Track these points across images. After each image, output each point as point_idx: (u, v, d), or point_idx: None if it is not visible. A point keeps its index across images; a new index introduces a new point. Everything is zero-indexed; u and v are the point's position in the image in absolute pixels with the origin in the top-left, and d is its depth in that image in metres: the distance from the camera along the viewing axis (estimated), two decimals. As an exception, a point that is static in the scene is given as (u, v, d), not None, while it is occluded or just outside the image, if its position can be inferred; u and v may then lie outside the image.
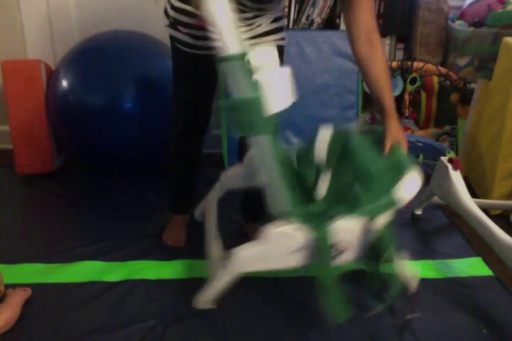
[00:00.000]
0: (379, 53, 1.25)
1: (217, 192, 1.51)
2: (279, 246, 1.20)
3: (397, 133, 1.26)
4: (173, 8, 1.34)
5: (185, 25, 1.34)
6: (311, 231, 1.15)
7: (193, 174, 1.69)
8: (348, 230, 1.18)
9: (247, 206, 1.74)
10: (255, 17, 1.34)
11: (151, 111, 1.98)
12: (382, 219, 1.20)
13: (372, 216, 1.17)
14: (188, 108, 1.52)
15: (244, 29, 1.35)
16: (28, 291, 1.39)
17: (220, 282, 1.27)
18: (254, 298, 1.42)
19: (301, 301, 1.41)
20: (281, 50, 1.44)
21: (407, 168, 1.19)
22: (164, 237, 1.71)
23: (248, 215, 1.74)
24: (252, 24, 1.36)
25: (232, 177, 1.47)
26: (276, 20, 1.42)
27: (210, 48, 1.30)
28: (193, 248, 1.65)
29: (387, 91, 1.26)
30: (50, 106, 2.08)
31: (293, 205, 1.16)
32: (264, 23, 1.39)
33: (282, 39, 1.47)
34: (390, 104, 1.26)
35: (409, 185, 1.17)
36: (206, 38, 1.27)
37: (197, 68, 1.43)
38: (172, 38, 1.42)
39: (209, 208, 1.53)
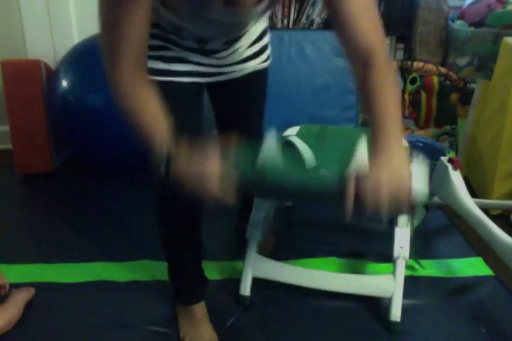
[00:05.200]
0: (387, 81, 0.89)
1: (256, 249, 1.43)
2: None
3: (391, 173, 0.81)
4: None
5: (154, 48, 1.04)
6: None
7: (200, 247, 1.30)
8: None
9: (245, 214, 1.48)
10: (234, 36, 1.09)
11: (151, 111, 1.97)
12: None
13: None
14: None
15: (218, 55, 1.11)
16: (32, 291, 1.39)
17: None
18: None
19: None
20: (264, 73, 1.25)
21: None
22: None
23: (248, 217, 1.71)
24: (228, 48, 1.11)
25: (261, 231, 1.44)
26: (260, 37, 1.18)
27: (188, 73, 1.10)
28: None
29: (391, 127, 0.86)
30: (50, 106, 2.08)
31: None
32: (245, 44, 1.14)
33: (267, 60, 1.23)
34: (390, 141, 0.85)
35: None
36: (181, 60, 1.08)
37: (177, 101, 1.03)
38: None
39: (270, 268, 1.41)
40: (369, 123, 0.88)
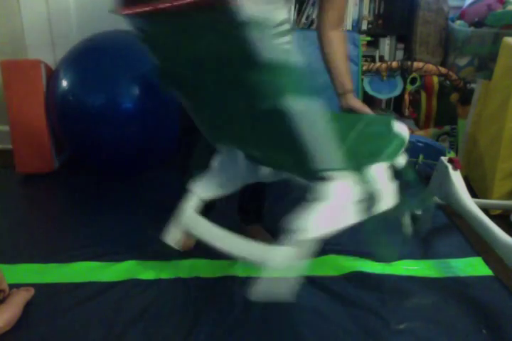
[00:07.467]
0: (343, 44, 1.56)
1: (193, 204, 1.37)
2: (341, 200, 1.18)
3: (364, 107, 1.42)
4: None
5: None
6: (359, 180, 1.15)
7: None
8: (381, 175, 1.19)
9: (244, 207, 1.71)
10: None
11: (151, 111, 1.98)
12: (402, 159, 1.27)
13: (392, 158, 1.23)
14: None
15: None
16: (31, 291, 1.39)
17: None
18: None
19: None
20: None
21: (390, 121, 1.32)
22: None
23: (246, 216, 1.73)
24: None
25: (207, 187, 1.37)
26: None
27: None
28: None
29: (348, 75, 1.49)
30: (50, 106, 2.08)
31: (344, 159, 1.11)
32: None
33: None
34: (350, 86, 1.47)
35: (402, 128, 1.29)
36: None
37: None
38: None
39: (195, 223, 1.36)
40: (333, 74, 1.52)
